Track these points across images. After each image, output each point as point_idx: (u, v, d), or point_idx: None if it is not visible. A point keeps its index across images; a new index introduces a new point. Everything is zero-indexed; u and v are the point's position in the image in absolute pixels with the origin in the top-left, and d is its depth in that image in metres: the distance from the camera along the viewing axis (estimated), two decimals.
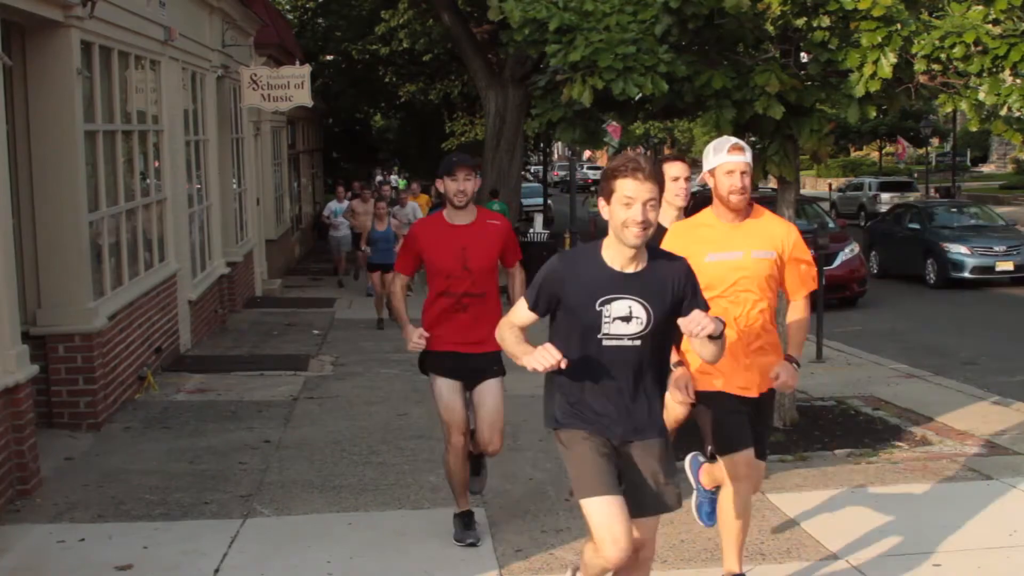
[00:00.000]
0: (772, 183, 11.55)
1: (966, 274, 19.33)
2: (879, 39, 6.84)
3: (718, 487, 5.12)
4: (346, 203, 20.50)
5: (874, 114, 7.48)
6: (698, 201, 22.37)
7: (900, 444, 7.75)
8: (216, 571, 5.52)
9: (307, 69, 15.86)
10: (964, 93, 6.99)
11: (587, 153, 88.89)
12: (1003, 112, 6.88)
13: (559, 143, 48.58)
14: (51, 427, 7.98)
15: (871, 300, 17.13)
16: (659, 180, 3.89)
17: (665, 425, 4.18)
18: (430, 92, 33.75)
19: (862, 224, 33.90)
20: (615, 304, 3.95)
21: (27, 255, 7.94)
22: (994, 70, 6.69)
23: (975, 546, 5.71)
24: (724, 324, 3.93)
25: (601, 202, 3.98)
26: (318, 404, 9.40)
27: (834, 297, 15.73)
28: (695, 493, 5.42)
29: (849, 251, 16.88)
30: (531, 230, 17.61)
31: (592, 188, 55.13)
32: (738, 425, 4.83)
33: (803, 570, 5.46)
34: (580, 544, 5.81)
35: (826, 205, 33.01)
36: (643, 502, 4.06)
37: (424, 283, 6.19)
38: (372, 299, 15.31)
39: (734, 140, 4.88)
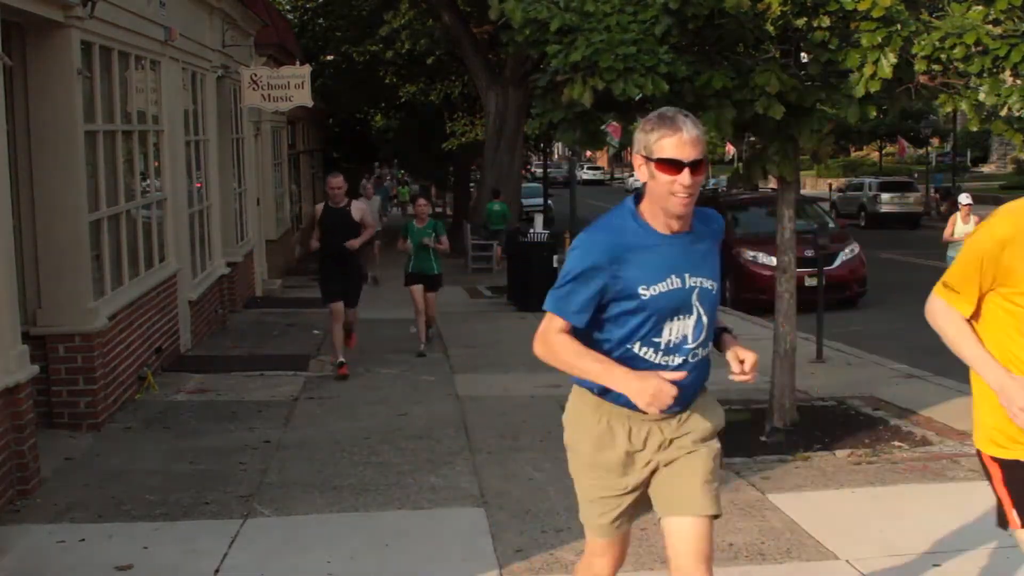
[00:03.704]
0: (772, 183, 11.54)
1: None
2: (879, 39, 6.84)
3: None
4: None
5: (874, 114, 7.47)
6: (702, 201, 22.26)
7: (900, 444, 7.75)
8: (216, 571, 5.52)
9: (307, 69, 15.87)
10: (964, 93, 6.99)
11: (587, 152, 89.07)
12: (1003, 112, 6.88)
13: (559, 143, 48.71)
14: (51, 427, 7.98)
15: (871, 300, 17.13)
16: None
17: None
18: (430, 93, 33.73)
19: (861, 224, 33.95)
20: None
21: (27, 255, 7.94)
22: (994, 70, 6.69)
23: (975, 546, 5.71)
24: None
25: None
26: (318, 404, 9.40)
27: (834, 297, 15.71)
28: None
29: (849, 251, 16.89)
30: (531, 230, 17.61)
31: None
32: None
33: (803, 570, 5.46)
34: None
35: (826, 205, 33.03)
36: None
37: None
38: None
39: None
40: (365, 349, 12.26)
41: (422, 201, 12.92)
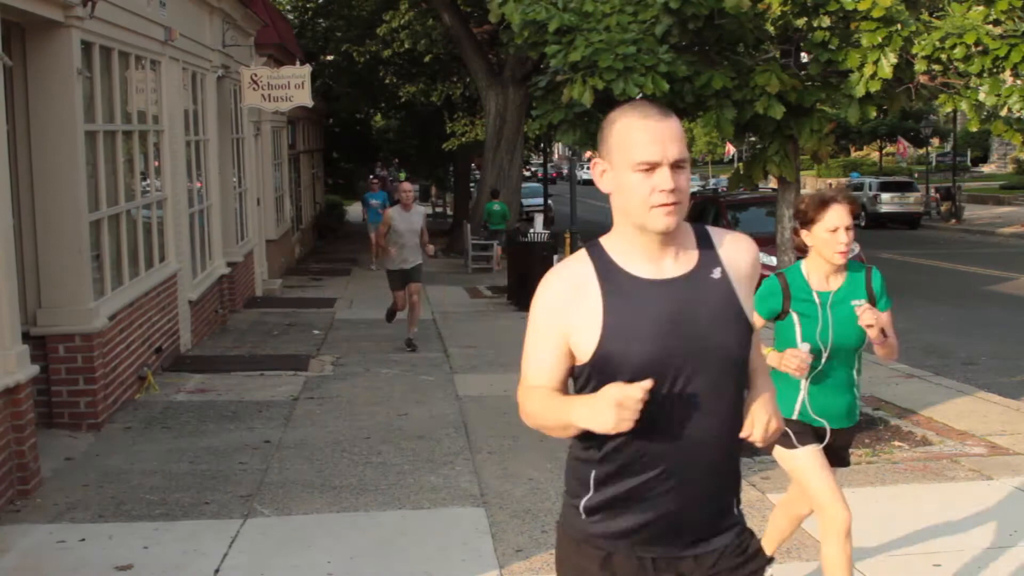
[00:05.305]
0: (772, 183, 11.53)
1: None
2: (879, 39, 6.85)
3: None
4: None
5: (874, 114, 7.49)
6: (697, 203, 22.35)
7: (900, 444, 7.75)
8: (216, 571, 5.52)
9: (307, 69, 15.86)
10: (964, 93, 7.00)
11: (587, 153, 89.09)
12: (1003, 113, 6.89)
13: (559, 143, 48.61)
14: (51, 427, 7.98)
15: None
16: None
17: None
18: (431, 93, 33.73)
19: (861, 224, 33.93)
20: None
21: (27, 255, 7.94)
22: (994, 71, 6.70)
23: (975, 546, 5.71)
24: None
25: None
26: (318, 404, 9.40)
27: None
28: None
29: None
30: (531, 230, 17.62)
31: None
32: None
33: (803, 570, 5.46)
34: None
35: None
36: None
37: None
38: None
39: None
40: (365, 349, 12.26)
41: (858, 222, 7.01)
